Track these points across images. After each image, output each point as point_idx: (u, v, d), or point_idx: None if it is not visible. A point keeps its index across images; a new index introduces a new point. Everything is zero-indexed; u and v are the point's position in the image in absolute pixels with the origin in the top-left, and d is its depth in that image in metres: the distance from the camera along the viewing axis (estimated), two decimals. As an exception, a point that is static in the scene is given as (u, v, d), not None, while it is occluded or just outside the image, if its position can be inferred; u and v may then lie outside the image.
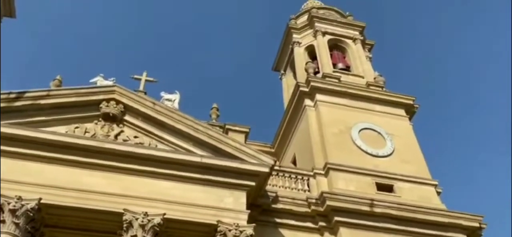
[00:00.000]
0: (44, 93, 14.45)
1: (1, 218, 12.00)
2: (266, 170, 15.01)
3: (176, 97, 19.82)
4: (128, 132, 15.21)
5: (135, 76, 19.52)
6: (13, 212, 12.03)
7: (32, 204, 12.27)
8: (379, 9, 61.56)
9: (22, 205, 12.18)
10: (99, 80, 18.95)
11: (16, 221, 11.97)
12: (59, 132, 13.92)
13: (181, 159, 14.37)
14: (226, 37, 69.72)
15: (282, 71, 29.76)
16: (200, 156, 14.62)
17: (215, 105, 23.87)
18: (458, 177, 52.66)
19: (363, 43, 28.00)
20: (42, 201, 12.47)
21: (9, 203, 12.14)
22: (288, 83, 28.56)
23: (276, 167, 16.29)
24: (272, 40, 63.27)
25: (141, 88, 18.57)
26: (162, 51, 66.19)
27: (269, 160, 15.18)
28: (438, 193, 19.64)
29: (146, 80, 19.39)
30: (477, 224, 17.48)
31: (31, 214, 12.26)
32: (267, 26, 69.73)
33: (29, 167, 13.18)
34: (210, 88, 64.16)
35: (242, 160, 14.86)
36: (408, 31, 66.15)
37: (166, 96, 19.76)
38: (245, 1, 70.56)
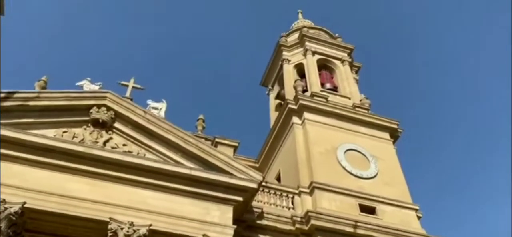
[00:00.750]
0: (34, 95, 14.23)
1: (-17, 221, 11.68)
2: (255, 186, 15.06)
3: (162, 106, 19.69)
4: (117, 139, 15.07)
5: (122, 82, 19.36)
6: (-5, 215, 11.75)
7: (16, 207, 12.01)
8: (365, 32, 62.82)
9: (5, 209, 11.90)
10: (86, 84, 18.73)
11: (-1, 224, 11.68)
12: (46, 136, 13.68)
13: (170, 170, 14.30)
14: (215, 49, 70.12)
15: (269, 87, 29.99)
16: (189, 168, 14.58)
17: (201, 117, 23.92)
18: (437, 202, 53.68)
19: (351, 65, 28.51)
20: (26, 205, 12.21)
21: (-9, 206, 11.84)
22: (275, 99, 28.81)
23: (262, 183, 16.32)
24: (260, 54, 63.95)
25: (128, 94, 18.41)
26: (150, 59, 66.04)
27: (258, 176, 15.24)
28: (419, 217, 20.01)
29: (133, 87, 19.30)
30: (455, 250, 17.85)
31: (14, 218, 11.99)
32: (256, 40, 70.47)
33: (13, 170, 12.91)
34: (196, 99, 64.13)
35: (231, 175, 14.88)
36: (392, 55, 67.61)
37: (152, 104, 19.63)
38: (235, 13, 71.04)
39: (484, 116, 59.90)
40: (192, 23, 69.56)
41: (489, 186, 57.04)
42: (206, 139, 18.80)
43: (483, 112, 59.59)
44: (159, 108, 19.62)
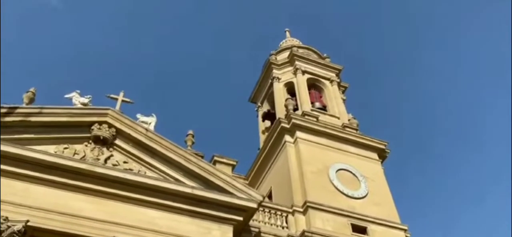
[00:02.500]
0: (36, 110, 14.09)
1: (-15, 239, 11.45)
2: (255, 205, 15.27)
3: (152, 120, 19.64)
4: (117, 156, 15.04)
5: (111, 96, 19.26)
6: (-2, 233, 11.54)
7: (19, 226, 11.84)
8: (351, 53, 64.23)
9: (8, 227, 11.70)
10: (75, 96, 18.61)
11: (1, 243, 11.47)
12: (49, 152, 13.55)
13: (172, 189, 14.36)
14: (204, 64, 70.47)
15: (258, 104, 30.27)
16: (191, 187, 14.67)
17: (190, 132, 23.92)
18: (422, 222, 54.93)
19: (339, 85, 29.17)
20: (29, 224, 12.03)
21: (-6, 224, 11.62)
22: (264, 116, 29.09)
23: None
24: (248, 71, 64.64)
25: (117, 108, 18.33)
26: (138, 72, 65.72)
27: (258, 195, 15.48)
28: (406, 237, 20.58)
29: (122, 101, 19.22)
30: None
31: (17, 237, 11.79)
32: (244, 57, 71.08)
33: (15, 187, 12.73)
34: (185, 114, 64.09)
35: (231, 194, 15.05)
36: (376, 75, 69.24)
37: (142, 118, 19.58)
38: (223, 30, 71.63)
39: (471, 136, 61.87)
40: (181, 38, 69.85)
41: (475, 207, 58.84)
42: (196, 154, 18.90)
43: (470, 133, 61.58)
44: (149, 122, 19.58)
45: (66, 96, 18.84)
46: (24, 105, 14.12)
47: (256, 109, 30.60)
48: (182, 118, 61.37)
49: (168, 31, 69.64)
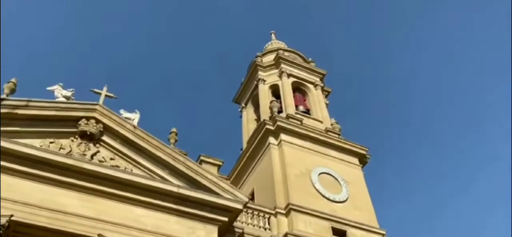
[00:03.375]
0: (23, 103, 13.86)
1: (-33, 233, 11.24)
2: (240, 207, 15.42)
3: (136, 116, 19.55)
4: (104, 153, 14.94)
5: (95, 90, 19.06)
6: (-19, 227, 11.34)
7: (3, 220, 11.65)
8: (332, 58, 65.04)
9: (-8, 221, 11.51)
10: (57, 89, 18.38)
11: (-16, 237, 11.29)
12: (35, 146, 13.35)
13: (158, 188, 14.37)
14: (189, 63, 70.21)
15: (243, 104, 30.40)
16: (177, 186, 14.71)
17: (174, 130, 23.88)
18: (400, 226, 56.05)
19: (322, 89, 29.59)
20: (13, 218, 11.86)
21: (-23, 217, 11.42)
22: (248, 117, 29.26)
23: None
24: (232, 71, 64.77)
25: (100, 102, 18.18)
26: (122, 67, 64.96)
27: (244, 197, 15.63)
28: (384, 242, 21.11)
29: (106, 95, 19.06)
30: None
31: (1, 231, 11.60)
32: (228, 57, 71.21)
33: (2, 181, 12.47)
34: (168, 111, 63.71)
35: (217, 195, 15.15)
36: (356, 81, 70.33)
37: (125, 114, 19.49)
38: (208, 28, 71.52)
39: (449, 144, 63.48)
40: (167, 37, 69.42)
41: (450, 212, 60.47)
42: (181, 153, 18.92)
43: (448, 140, 63.15)
44: (132, 118, 19.53)
45: (49, 88, 18.55)
46: (11, 97, 13.83)
47: (240, 109, 30.72)
48: (163, 115, 60.94)
49: (153, 28, 69.27)
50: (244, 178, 24.60)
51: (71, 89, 18.71)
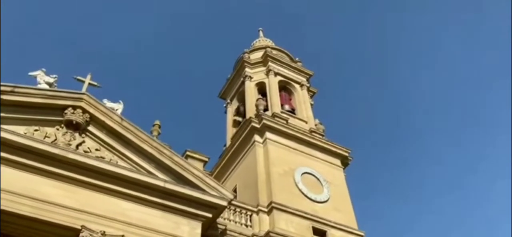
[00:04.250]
0: (9, 89, 13.57)
1: None
2: (225, 203, 15.48)
3: (119, 106, 19.35)
4: (89, 143, 14.78)
5: (78, 77, 18.79)
6: (-36, 215, 11.11)
7: (-15, 208, 11.43)
8: (317, 60, 65.50)
9: (-27, 208, 11.29)
10: (40, 75, 18.07)
11: (-35, 224, 11.05)
12: (20, 133, 13.11)
13: (144, 181, 14.30)
14: (174, 56, 69.57)
15: (228, 100, 30.40)
16: (163, 181, 14.66)
17: (157, 122, 23.70)
18: (379, 226, 56.96)
19: (308, 90, 29.83)
20: (-2, 207, 11.65)
21: (-41, 205, 11.17)
22: (233, 113, 29.29)
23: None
24: (217, 66, 64.59)
25: (83, 90, 17.94)
26: (106, 56, 64.01)
27: (229, 194, 15.70)
28: (362, 243, 21.52)
29: (89, 84, 18.82)
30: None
31: (-17, 219, 11.40)
32: (215, 52, 70.87)
33: (-17, 167, 12.25)
34: (151, 104, 63.11)
35: (203, 191, 15.17)
36: (340, 81, 70.98)
37: (109, 104, 19.31)
38: (195, 21, 71.03)
39: (430, 145, 64.67)
40: (152, 28, 68.68)
41: (429, 214, 61.75)
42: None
43: (429, 141, 64.31)
44: (116, 108, 19.35)
45: (31, 73, 18.20)
46: (-5, 83, 13.54)
47: (225, 105, 30.70)
48: (145, 107, 60.39)
49: (139, 20, 68.49)
50: (227, 175, 24.66)
51: (54, 76, 18.39)
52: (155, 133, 23.06)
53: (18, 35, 58.42)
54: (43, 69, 18.23)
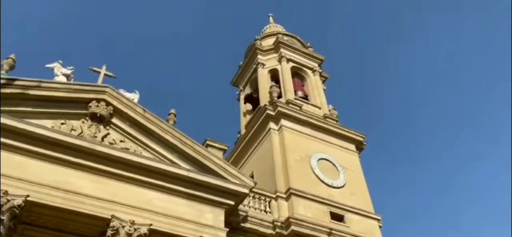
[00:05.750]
0: (35, 84, 13.84)
1: (-16, 212, 11.34)
2: (246, 191, 15.77)
3: (135, 96, 19.66)
4: (114, 135, 15.07)
5: (94, 68, 19.05)
6: (-2, 207, 11.47)
7: (19, 200, 11.77)
8: (328, 43, 65.18)
9: (8, 201, 11.63)
10: (57, 67, 18.36)
11: (1, 217, 11.41)
12: (48, 127, 13.41)
13: (168, 171, 14.59)
14: (185, 45, 69.64)
15: (241, 88, 30.54)
16: (186, 170, 14.95)
17: (172, 111, 23.98)
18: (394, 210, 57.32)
19: (320, 75, 29.88)
20: (29, 199, 12.00)
21: (-6, 197, 11.53)
22: (246, 101, 29.46)
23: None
24: (228, 53, 64.59)
25: (99, 81, 18.19)
26: (122, 47, 64.26)
27: (250, 181, 15.96)
28: (379, 227, 21.79)
29: (105, 75, 19.06)
30: (413, 260, 19.80)
31: (17, 211, 11.75)
32: (227, 40, 70.83)
33: (15, 160, 12.60)
34: (166, 93, 63.52)
35: (225, 179, 15.46)
36: (350, 66, 70.72)
37: (125, 94, 19.59)
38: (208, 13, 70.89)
39: (445, 130, 64.56)
40: (161, 18, 68.74)
41: (441, 198, 61.90)
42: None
43: (445, 126, 64.23)
44: (132, 98, 19.63)
45: (48, 65, 18.49)
46: (22, 77, 13.80)
47: (238, 92, 30.86)
48: (159, 96, 60.83)
49: (150, 9, 68.47)
50: (243, 162, 24.92)
51: (71, 67, 18.68)
52: (171, 122, 23.41)
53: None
54: (60, 61, 18.50)
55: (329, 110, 26.47)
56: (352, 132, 24.88)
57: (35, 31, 59.72)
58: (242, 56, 32.39)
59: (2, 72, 17.07)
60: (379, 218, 21.68)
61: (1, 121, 12.50)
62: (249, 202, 18.68)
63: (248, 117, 28.12)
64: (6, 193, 11.68)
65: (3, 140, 12.63)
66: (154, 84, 63.21)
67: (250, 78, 29.63)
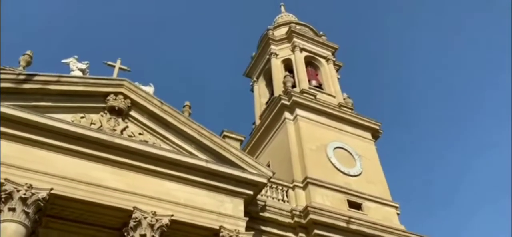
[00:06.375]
0: (54, 79, 13.99)
1: (10, 206, 11.53)
2: (265, 181, 15.81)
3: (150, 89, 19.77)
4: (132, 128, 15.19)
5: (109, 63, 19.17)
6: (23, 200, 11.65)
7: (43, 193, 11.96)
8: (340, 31, 64.69)
9: (33, 194, 11.82)
10: (72, 62, 18.48)
11: (27, 210, 11.60)
12: (69, 122, 13.58)
13: (187, 162, 14.68)
14: (198, 35, 69.70)
15: (254, 79, 30.52)
16: (205, 161, 15.03)
17: (187, 103, 24.07)
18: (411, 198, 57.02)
19: (333, 64, 29.70)
20: (52, 192, 12.18)
21: (18, 191, 11.72)
22: (260, 92, 29.45)
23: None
24: (240, 45, 64.51)
25: (114, 75, 18.30)
26: (136, 41, 64.64)
27: (268, 171, 15.99)
28: (397, 214, 21.69)
29: (119, 68, 19.16)
30: (432, 246, 19.70)
31: (42, 204, 11.94)
32: (238, 32, 70.72)
33: (38, 155, 12.78)
34: (177, 85, 63.87)
35: (243, 169, 15.50)
36: (363, 54, 70.14)
37: (140, 87, 19.69)
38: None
39: (460, 117, 63.76)
40: (175, 9, 68.84)
41: (458, 186, 61.43)
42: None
43: (458, 113, 63.43)
44: (147, 91, 19.75)
45: (63, 61, 18.64)
46: (42, 73, 13.95)
47: (251, 83, 30.85)
48: (170, 89, 61.15)
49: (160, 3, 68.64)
50: (259, 152, 24.97)
51: (86, 62, 18.78)
52: (186, 114, 23.53)
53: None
54: (76, 56, 18.64)
55: (344, 99, 26.35)
56: (368, 120, 24.76)
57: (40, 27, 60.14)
58: (253, 47, 32.39)
59: (20, 68, 17.32)
60: (397, 205, 21.60)
61: (23, 116, 12.66)
62: (266, 192, 18.76)
63: (262, 107, 28.11)
64: (30, 186, 11.86)
65: (27, 134, 12.81)
66: (164, 77, 63.47)
67: (263, 68, 29.60)
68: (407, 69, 67.68)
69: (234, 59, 66.68)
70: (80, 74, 18.20)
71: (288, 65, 28.18)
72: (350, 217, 18.41)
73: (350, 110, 25.26)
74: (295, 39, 28.55)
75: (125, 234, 12.99)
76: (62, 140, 13.14)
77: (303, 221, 17.85)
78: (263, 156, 24.48)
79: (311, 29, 31.65)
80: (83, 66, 18.62)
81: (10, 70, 15.65)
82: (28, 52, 18.24)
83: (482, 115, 61.94)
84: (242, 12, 71.92)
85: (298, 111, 23.01)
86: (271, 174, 16.00)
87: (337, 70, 30.54)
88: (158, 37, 69.35)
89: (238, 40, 68.04)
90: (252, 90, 30.65)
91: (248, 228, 16.43)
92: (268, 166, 23.53)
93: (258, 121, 27.18)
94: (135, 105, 15.34)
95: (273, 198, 18.82)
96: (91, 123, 14.36)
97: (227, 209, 14.84)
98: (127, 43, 63.60)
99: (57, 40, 57.98)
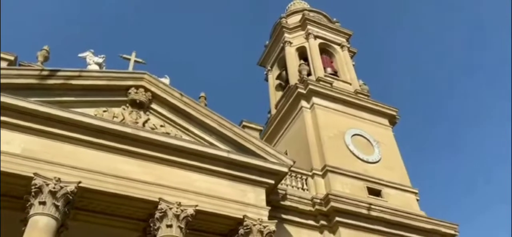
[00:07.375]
0: (76, 74, 14.14)
1: (40, 200, 11.76)
2: (285, 170, 15.86)
3: (166, 81, 19.87)
4: (154, 120, 15.31)
5: (124, 56, 19.24)
6: (53, 194, 11.87)
7: (72, 187, 12.17)
8: (354, 17, 64.04)
9: (62, 187, 12.03)
10: (89, 56, 18.57)
11: (57, 203, 11.82)
12: (93, 116, 13.75)
13: (209, 153, 14.78)
14: (209, 26, 69.68)
15: (268, 67, 30.47)
16: (227, 151, 15.11)
17: (203, 94, 24.11)
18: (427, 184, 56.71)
19: (348, 50, 29.49)
20: (81, 185, 12.39)
21: (48, 185, 11.94)
22: (274, 80, 29.40)
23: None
24: (251, 34, 64.27)
25: (130, 68, 18.36)
26: (150, 33, 64.80)
27: (289, 160, 16.03)
28: (417, 200, 21.63)
29: (134, 61, 19.24)
30: (453, 232, 19.63)
31: (71, 197, 12.16)
32: (249, 20, 70.42)
33: (65, 149, 12.99)
34: (193, 75, 64.05)
35: (264, 159, 15.57)
36: (378, 40, 69.42)
37: (160, 80, 19.75)
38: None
39: (477, 105, 63.00)
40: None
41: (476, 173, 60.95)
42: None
43: (474, 100, 62.68)
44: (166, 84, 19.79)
45: (80, 55, 18.74)
46: (64, 68, 14.11)
47: (265, 72, 30.80)
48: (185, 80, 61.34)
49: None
50: (275, 141, 25.00)
51: (102, 56, 18.86)
52: (202, 104, 23.63)
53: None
54: (92, 50, 18.75)
55: (360, 86, 26.21)
56: (385, 106, 24.64)
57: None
58: (265, 36, 32.27)
59: (38, 64, 17.51)
60: (416, 191, 21.54)
61: (48, 111, 12.83)
62: (286, 180, 18.83)
63: (277, 96, 28.08)
64: (58, 180, 12.07)
65: (53, 129, 13.00)
66: (176, 68, 63.69)
67: (278, 57, 29.52)
68: (424, 51, 66.77)
69: (246, 49, 66.46)
70: (97, 67, 18.40)
71: (302, 53, 28.05)
72: (370, 204, 18.42)
73: (366, 97, 25.13)
74: (309, 27, 28.38)
75: (151, 225, 13.19)
76: (87, 134, 13.32)
77: (324, 209, 17.91)
78: (280, 145, 24.49)
79: (325, 16, 31.42)
80: (100, 60, 18.71)
81: (29, 66, 15.87)
82: (45, 47, 18.44)
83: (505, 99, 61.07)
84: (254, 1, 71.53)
85: (315, 99, 22.96)
86: (291, 163, 16.04)
87: (351, 57, 30.33)
88: (169, 27, 69.45)
89: (250, 29, 67.75)
90: (266, 79, 30.58)
91: (270, 217, 16.60)
92: (286, 154, 23.67)
93: (273, 110, 27.18)
94: (155, 97, 15.46)
95: (293, 187, 18.90)
96: (114, 117, 14.51)
97: (250, 199, 14.94)
98: (138, 34, 63.77)
99: (65, 34, 58.25)
